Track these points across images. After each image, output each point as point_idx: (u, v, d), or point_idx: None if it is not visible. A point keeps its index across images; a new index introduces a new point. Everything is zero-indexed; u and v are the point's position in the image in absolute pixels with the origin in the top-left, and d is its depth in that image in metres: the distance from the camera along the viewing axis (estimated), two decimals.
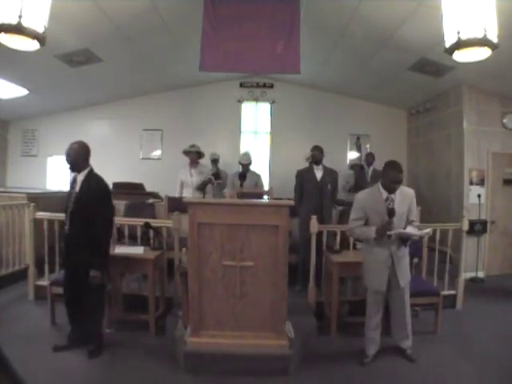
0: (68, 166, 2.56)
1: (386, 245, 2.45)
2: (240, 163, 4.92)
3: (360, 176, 5.21)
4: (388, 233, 2.39)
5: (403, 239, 2.45)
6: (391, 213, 2.36)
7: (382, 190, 2.47)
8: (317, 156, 3.98)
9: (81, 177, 2.54)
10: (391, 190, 2.43)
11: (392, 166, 2.43)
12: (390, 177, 2.40)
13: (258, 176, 5.05)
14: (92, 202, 2.46)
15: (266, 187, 5.57)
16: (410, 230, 2.45)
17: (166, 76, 5.73)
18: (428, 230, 2.54)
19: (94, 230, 2.45)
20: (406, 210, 2.49)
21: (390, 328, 2.70)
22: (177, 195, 4.60)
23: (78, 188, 2.52)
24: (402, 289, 2.54)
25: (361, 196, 2.56)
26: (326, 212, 3.88)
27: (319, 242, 3.38)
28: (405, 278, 2.52)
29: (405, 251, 2.54)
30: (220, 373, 2.34)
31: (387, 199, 2.44)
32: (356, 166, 5.61)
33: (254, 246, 2.41)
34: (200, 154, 4.86)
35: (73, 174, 2.61)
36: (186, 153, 4.84)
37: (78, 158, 2.54)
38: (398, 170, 2.41)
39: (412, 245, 2.62)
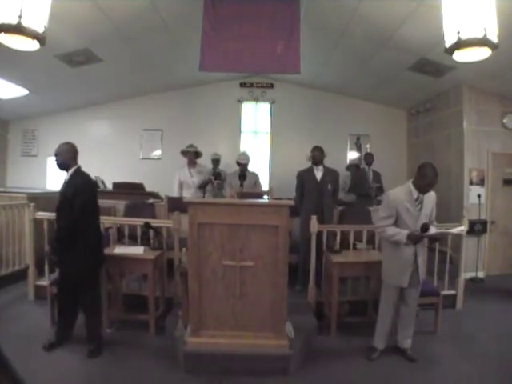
0: (57, 165, 2.59)
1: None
2: (238, 163, 4.92)
3: (357, 176, 5.21)
4: (426, 234, 2.47)
5: (435, 238, 2.56)
6: (424, 228, 2.42)
7: (413, 188, 2.52)
8: (317, 156, 3.97)
9: (67, 175, 2.57)
10: (424, 191, 2.50)
11: (431, 169, 2.47)
12: (428, 180, 2.45)
13: (256, 176, 5.05)
14: (74, 196, 2.46)
15: (265, 187, 5.57)
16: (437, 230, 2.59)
17: (166, 76, 5.73)
18: (462, 227, 2.61)
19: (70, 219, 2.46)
20: (430, 210, 2.58)
21: (393, 327, 2.72)
22: (175, 196, 4.60)
23: (64, 187, 2.55)
24: (419, 287, 2.61)
25: (393, 194, 2.58)
26: (327, 212, 3.87)
27: (319, 242, 3.37)
28: (423, 276, 2.61)
29: (424, 250, 2.66)
30: (220, 373, 2.34)
31: (417, 198, 2.50)
32: (352, 167, 5.61)
33: (254, 246, 2.41)
34: (198, 154, 4.87)
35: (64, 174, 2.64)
36: (184, 153, 4.85)
37: (68, 157, 2.58)
38: (436, 174, 2.47)
39: None
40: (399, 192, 2.56)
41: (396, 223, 2.53)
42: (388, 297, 2.62)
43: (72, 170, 2.57)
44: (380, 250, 3.07)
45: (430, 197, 2.57)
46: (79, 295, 2.56)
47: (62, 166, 2.58)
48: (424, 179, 2.46)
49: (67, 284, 2.56)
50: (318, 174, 3.95)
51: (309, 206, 3.80)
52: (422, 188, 2.49)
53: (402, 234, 2.47)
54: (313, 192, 3.89)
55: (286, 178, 5.33)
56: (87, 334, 2.60)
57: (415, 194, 2.50)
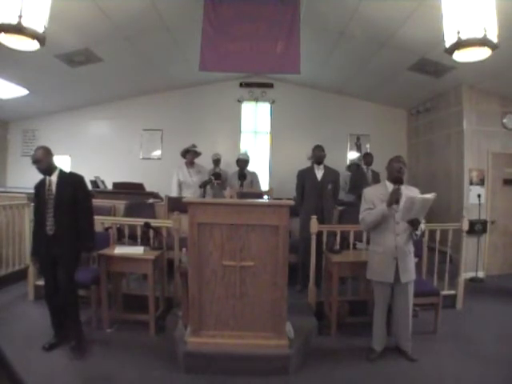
0: (42, 170, 2.57)
1: (392, 236, 2.52)
2: (238, 160, 4.94)
3: (357, 175, 5.20)
4: (406, 219, 2.47)
5: (413, 223, 2.48)
6: (398, 180, 2.52)
7: (387, 183, 2.63)
8: (319, 155, 3.96)
9: (54, 178, 2.57)
10: (397, 179, 2.56)
11: (395, 157, 2.68)
12: (395, 163, 2.60)
13: (252, 174, 5.06)
14: (78, 195, 2.60)
15: (265, 186, 5.58)
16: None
17: (166, 76, 5.73)
18: (433, 193, 2.53)
19: (84, 219, 2.63)
20: None
21: (391, 328, 2.72)
22: (174, 195, 4.60)
23: (54, 188, 2.55)
24: (405, 286, 2.57)
25: (368, 190, 2.73)
26: (327, 212, 3.87)
27: (319, 242, 3.37)
28: (407, 275, 2.54)
29: (410, 248, 2.59)
30: (220, 373, 2.34)
31: None
32: (353, 166, 5.61)
33: (253, 246, 2.41)
34: (197, 154, 4.89)
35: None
36: (186, 152, 4.84)
37: (50, 160, 2.60)
38: (400, 158, 2.66)
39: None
40: (375, 188, 2.76)
41: None
42: (378, 295, 2.62)
43: (57, 172, 2.60)
44: None
45: (412, 193, 2.58)
46: (65, 293, 2.58)
47: (47, 170, 2.58)
48: (391, 166, 2.60)
49: (54, 285, 2.58)
50: (319, 173, 3.94)
51: (309, 206, 3.79)
52: (394, 176, 2.57)
53: (381, 206, 2.51)
54: (313, 192, 3.89)
55: (286, 177, 5.33)
56: (70, 331, 2.61)
57: (390, 187, 2.58)
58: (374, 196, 2.59)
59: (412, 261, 2.62)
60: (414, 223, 2.48)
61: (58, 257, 2.54)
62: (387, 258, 2.52)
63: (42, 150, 2.58)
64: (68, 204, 2.55)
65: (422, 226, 2.56)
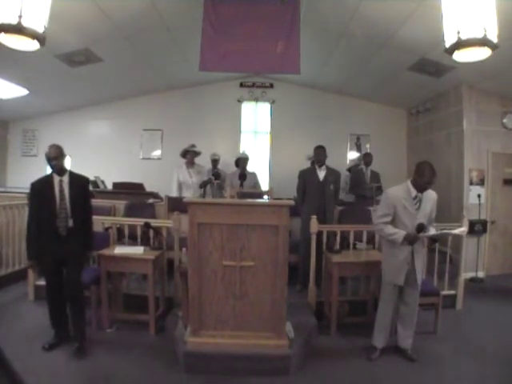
0: (57, 169, 2.56)
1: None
2: (239, 159, 4.94)
3: (356, 176, 5.20)
4: (424, 235, 2.50)
5: (435, 239, 2.58)
6: (420, 228, 2.43)
7: (411, 187, 2.53)
8: (321, 156, 3.94)
9: (66, 178, 2.58)
10: (423, 189, 2.50)
11: (429, 168, 2.48)
12: (426, 178, 2.45)
13: (255, 176, 5.05)
14: (85, 196, 2.68)
15: (265, 187, 5.58)
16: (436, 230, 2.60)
17: (166, 76, 5.73)
18: (463, 228, 2.58)
19: (88, 219, 2.69)
20: (430, 210, 2.57)
21: (393, 327, 2.72)
22: (174, 196, 4.60)
23: (67, 189, 2.55)
24: (417, 287, 2.60)
25: (391, 192, 2.59)
26: (329, 212, 3.87)
27: (319, 242, 3.37)
28: (421, 276, 2.59)
29: (424, 250, 2.64)
30: (220, 373, 2.34)
31: (415, 197, 2.51)
32: (353, 167, 5.62)
33: (253, 246, 2.41)
34: (197, 154, 4.89)
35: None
36: (186, 152, 4.83)
37: (64, 160, 2.61)
38: (434, 172, 2.47)
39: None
40: (397, 190, 2.57)
41: (394, 222, 2.53)
42: (386, 295, 2.63)
43: (68, 173, 2.61)
44: (380, 249, 3.07)
45: (430, 197, 2.57)
46: (68, 291, 2.57)
47: (62, 169, 2.58)
48: (422, 177, 2.46)
49: (57, 283, 2.58)
50: (321, 173, 3.92)
51: (311, 206, 3.76)
52: (421, 186, 2.49)
53: (399, 233, 2.47)
54: (315, 192, 3.86)
55: (286, 177, 5.33)
56: (74, 331, 2.61)
57: (413, 192, 2.51)
58: (397, 200, 2.51)
59: (424, 261, 2.71)
60: (435, 240, 2.59)
61: (68, 257, 2.53)
62: (402, 262, 2.53)
63: (57, 148, 2.57)
64: (80, 205, 2.57)
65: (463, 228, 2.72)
